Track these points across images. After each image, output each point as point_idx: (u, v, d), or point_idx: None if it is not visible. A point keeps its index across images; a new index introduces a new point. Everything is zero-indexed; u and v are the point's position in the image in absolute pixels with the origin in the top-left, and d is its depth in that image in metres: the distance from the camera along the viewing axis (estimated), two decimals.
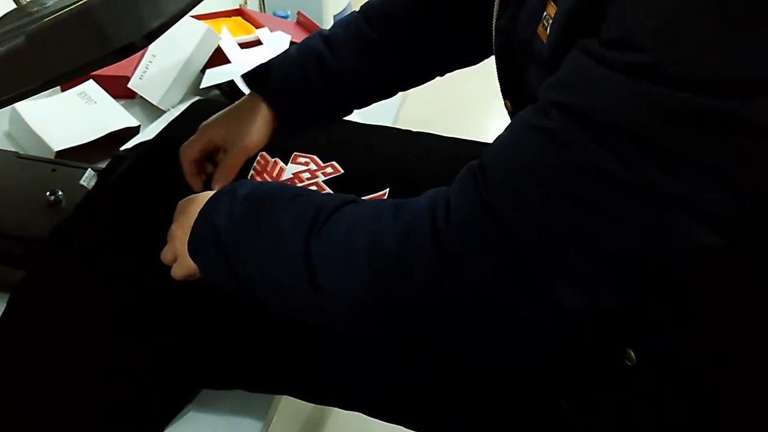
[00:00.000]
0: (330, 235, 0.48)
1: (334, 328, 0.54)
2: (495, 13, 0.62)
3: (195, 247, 0.56)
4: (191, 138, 0.75)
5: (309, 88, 0.74)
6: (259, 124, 0.73)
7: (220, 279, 0.54)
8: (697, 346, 0.47)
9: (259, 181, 0.59)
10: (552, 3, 0.49)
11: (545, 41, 0.50)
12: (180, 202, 0.63)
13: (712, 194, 0.37)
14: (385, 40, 0.75)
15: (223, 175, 0.73)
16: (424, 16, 0.74)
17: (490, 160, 0.45)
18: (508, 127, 0.46)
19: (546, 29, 0.50)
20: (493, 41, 0.63)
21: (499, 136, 0.46)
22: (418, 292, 0.45)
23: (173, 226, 0.61)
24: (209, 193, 0.58)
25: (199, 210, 0.56)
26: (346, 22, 0.77)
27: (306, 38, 0.77)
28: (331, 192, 0.78)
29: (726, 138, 0.35)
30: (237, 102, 0.75)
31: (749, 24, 0.33)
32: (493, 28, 0.63)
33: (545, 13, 0.50)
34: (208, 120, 0.75)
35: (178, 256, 0.59)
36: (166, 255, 0.61)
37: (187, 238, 0.56)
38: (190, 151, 0.74)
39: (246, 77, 0.75)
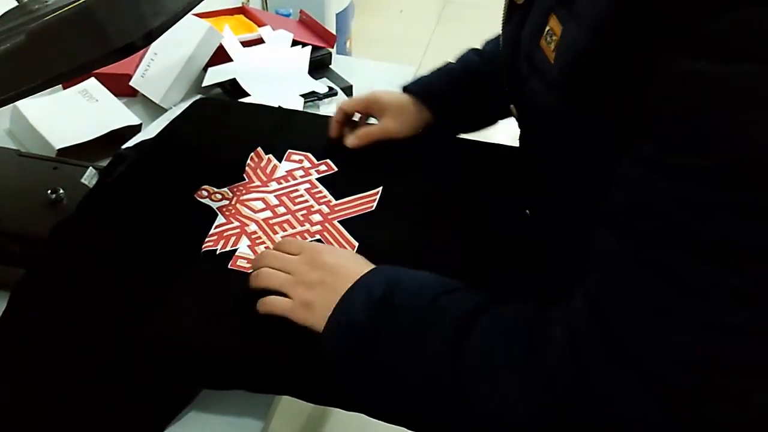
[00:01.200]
0: (473, 358, 0.48)
1: None
2: (502, 18, 0.62)
3: (329, 340, 0.55)
4: (358, 96, 0.87)
5: (463, 91, 0.84)
6: (414, 121, 0.84)
7: (351, 377, 0.54)
8: None
9: (390, 274, 0.58)
10: (555, 18, 0.49)
11: (552, 60, 0.50)
12: (330, 249, 0.64)
13: None
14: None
15: (358, 138, 0.84)
16: None
17: (603, 300, 0.44)
18: (598, 256, 0.45)
19: (549, 44, 0.50)
20: (500, 46, 0.64)
21: (594, 267, 0.45)
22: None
23: (312, 272, 0.60)
24: (354, 258, 0.61)
25: (345, 289, 0.56)
26: (497, 38, 0.83)
27: (462, 53, 0.89)
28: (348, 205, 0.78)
29: None
30: (407, 92, 0.86)
31: None
32: (501, 32, 0.63)
33: (548, 27, 0.50)
34: (382, 92, 0.86)
35: (307, 307, 0.58)
36: (283, 282, 0.60)
37: (324, 298, 0.57)
38: (349, 103, 0.86)
39: (409, 86, 0.87)
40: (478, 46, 0.89)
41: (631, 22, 0.41)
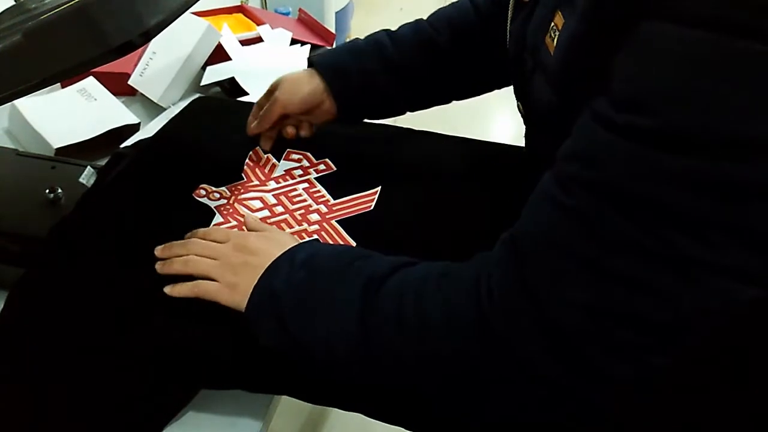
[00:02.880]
0: (382, 311, 0.50)
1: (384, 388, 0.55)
2: (509, 15, 0.62)
3: (255, 309, 0.57)
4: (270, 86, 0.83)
5: (365, 72, 0.80)
6: (305, 88, 0.80)
7: (275, 339, 0.55)
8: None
9: (316, 245, 0.61)
10: (560, 14, 0.49)
11: (552, 53, 0.50)
12: (239, 235, 0.65)
13: (741, 254, 0.36)
14: (446, 45, 0.80)
15: (259, 123, 0.82)
16: (486, 28, 0.78)
17: (521, 238, 0.45)
18: (533, 199, 0.46)
19: (553, 40, 0.50)
20: (507, 44, 0.64)
21: (527, 208, 0.46)
22: (465, 371, 0.46)
23: (236, 255, 0.61)
24: (283, 240, 0.62)
25: (267, 263, 0.58)
26: (412, 24, 0.83)
27: (374, 32, 0.84)
28: (335, 203, 0.78)
29: (747, 202, 0.35)
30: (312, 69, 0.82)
31: (759, 85, 0.33)
32: (507, 30, 0.63)
33: (552, 23, 0.50)
34: (287, 74, 0.83)
35: (232, 288, 0.59)
36: (210, 268, 0.61)
37: (248, 278, 0.58)
38: (262, 96, 0.84)
39: (311, 56, 0.84)
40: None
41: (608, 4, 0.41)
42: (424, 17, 0.85)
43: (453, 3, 0.84)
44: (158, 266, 0.64)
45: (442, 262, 0.52)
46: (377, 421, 0.61)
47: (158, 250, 0.65)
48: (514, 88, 0.66)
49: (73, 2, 0.40)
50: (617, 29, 0.39)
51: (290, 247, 0.59)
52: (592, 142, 0.41)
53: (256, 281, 0.57)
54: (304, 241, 0.61)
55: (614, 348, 0.41)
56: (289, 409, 1.30)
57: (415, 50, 0.80)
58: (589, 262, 0.40)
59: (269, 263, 0.58)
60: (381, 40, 0.82)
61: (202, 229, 0.67)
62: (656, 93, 0.36)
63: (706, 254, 0.37)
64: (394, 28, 0.84)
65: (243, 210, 0.75)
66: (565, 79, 0.46)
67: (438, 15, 0.84)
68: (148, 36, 0.43)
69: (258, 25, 1.26)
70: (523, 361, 0.43)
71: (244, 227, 0.71)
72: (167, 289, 0.61)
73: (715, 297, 0.38)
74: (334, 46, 1.24)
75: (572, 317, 0.41)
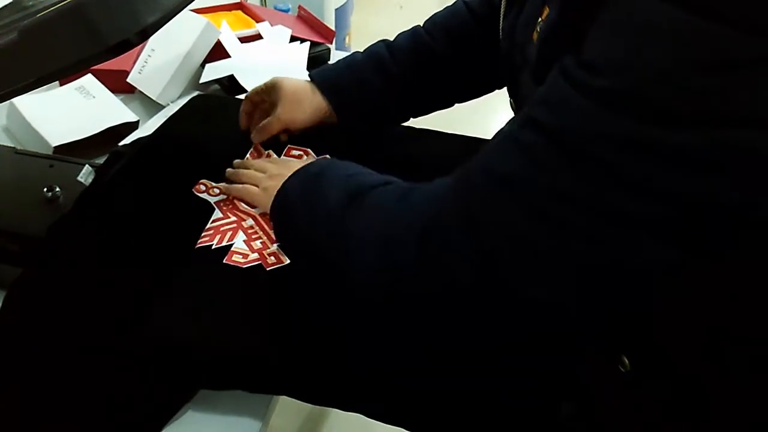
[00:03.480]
0: (360, 218, 0.56)
1: (352, 296, 0.60)
2: (501, 14, 0.62)
3: (274, 205, 0.67)
4: (263, 83, 0.84)
5: (365, 87, 0.82)
6: (308, 108, 0.82)
7: (284, 231, 0.67)
8: (688, 353, 0.48)
9: (332, 161, 0.72)
10: (547, 8, 0.49)
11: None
12: (282, 159, 0.80)
13: (669, 215, 0.39)
14: (443, 51, 0.81)
15: (258, 133, 0.83)
16: (481, 29, 0.79)
17: (475, 167, 0.48)
18: (495, 135, 0.49)
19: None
20: (500, 41, 0.63)
21: (487, 143, 0.49)
22: (406, 279, 0.50)
23: (275, 169, 0.73)
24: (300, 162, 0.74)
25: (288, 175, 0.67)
26: (409, 33, 0.85)
27: (372, 44, 0.86)
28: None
29: (674, 166, 0.37)
30: (308, 81, 0.84)
31: (702, 63, 0.34)
32: (500, 28, 0.63)
33: (539, 19, 0.50)
34: (283, 78, 0.83)
35: (265, 190, 0.71)
36: (256, 179, 0.73)
37: (277, 188, 0.67)
38: (254, 90, 0.85)
39: (311, 73, 0.85)
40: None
41: None
42: (424, 14, 0.85)
43: (447, 7, 0.84)
44: (223, 187, 0.76)
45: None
46: (377, 422, 0.61)
47: (229, 172, 0.77)
48: (507, 86, 0.66)
49: (69, 0, 0.40)
50: (590, 10, 0.40)
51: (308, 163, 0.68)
52: (555, 92, 0.42)
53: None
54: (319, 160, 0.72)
55: (538, 280, 0.44)
56: (288, 408, 1.30)
57: (413, 59, 0.81)
58: (529, 198, 0.42)
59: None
60: (379, 52, 0.82)
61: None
62: (610, 56, 0.38)
63: (635, 208, 0.39)
64: (393, 25, 0.84)
65: (242, 206, 0.74)
66: (544, 71, 0.46)
67: (434, 20, 0.84)
68: (145, 34, 0.43)
69: (257, 22, 1.25)
70: (451, 279, 0.47)
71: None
72: (222, 186, 0.76)
73: (636, 253, 0.41)
74: (333, 43, 1.23)
75: (503, 245, 0.44)
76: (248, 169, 0.76)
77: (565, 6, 0.45)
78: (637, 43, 0.36)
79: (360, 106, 0.82)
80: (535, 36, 0.52)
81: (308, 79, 0.84)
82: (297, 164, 0.70)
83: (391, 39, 0.85)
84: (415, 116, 0.87)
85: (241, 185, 0.74)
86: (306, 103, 0.81)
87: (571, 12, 0.43)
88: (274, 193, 0.67)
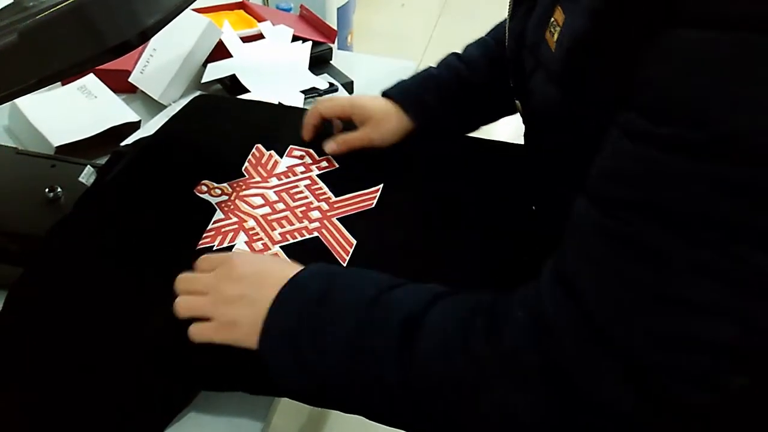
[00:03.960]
0: (424, 353, 0.46)
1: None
2: (508, 13, 0.62)
3: (267, 353, 0.52)
4: (337, 98, 0.83)
5: (449, 101, 0.82)
6: (394, 128, 0.82)
7: (296, 382, 0.52)
8: None
9: (326, 272, 0.55)
10: (560, 9, 0.48)
11: (553, 50, 0.49)
12: (242, 257, 0.60)
13: None
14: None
15: (337, 145, 0.81)
16: None
17: (572, 273, 0.43)
18: (574, 230, 0.44)
19: (552, 35, 0.50)
20: (506, 42, 0.63)
21: (569, 240, 0.44)
22: (528, 420, 0.43)
23: (226, 286, 0.56)
24: (280, 272, 0.55)
25: (268, 298, 0.53)
26: (478, 42, 0.86)
27: (445, 57, 0.87)
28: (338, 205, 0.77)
29: None
30: (388, 98, 0.83)
31: None
32: (506, 28, 0.62)
33: (552, 19, 0.50)
34: (364, 98, 0.83)
35: (226, 323, 0.55)
36: (191, 305, 0.57)
37: (248, 322, 0.53)
38: (328, 104, 0.82)
39: (391, 93, 0.84)
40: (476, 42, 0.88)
41: (623, 2, 0.40)
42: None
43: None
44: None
45: (479, 295, 0.49)
46: (377, 424, 0.60)
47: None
48: (513, 87, 0.65)
49: (69, 1, 0.40)
50: (633, 33, 0.38)
51: (295, 274, 0.54)
52: (631, 160, 0.39)
53: (258, 317, 0.52)
54: (304, 268, 0.56)
55: (693, 375, 0.39)
56: (289, 409, 1.30)
57: (487, 67, 0.82)
58: (652, 289, 0.38)
59: (268, 292, 0.53)
60: (454, 64, 0.84)
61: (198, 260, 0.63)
62: (700, 101, 0.35)
63: None
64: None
65: (244, 207, 0.74)
66: (568, 76, 0.45)
67: (497, 29, 0.85)
68: (145, 35, 0.43)
69: (259, 21, 1.25)
70: (599, 402, 0.41)
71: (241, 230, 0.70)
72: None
73: None
74: (335, 42, 1.23)
75: (648, 349, 0.39)
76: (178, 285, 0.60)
77: (595, 19, 0.42)
78: (723, 80, 0.34)
79: (443, 122, 0.83)
80: (547, 35, 0.51)
81: (384, 95, 0.84)
82: (259, 269, 0.57)
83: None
84: (485, 124, 0.88)
85: (192, 327, 0.56)
86: (393, 122, 0.82)
87: (606, 29, 0.41)
88: (251, 329, 0.52)
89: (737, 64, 0.33)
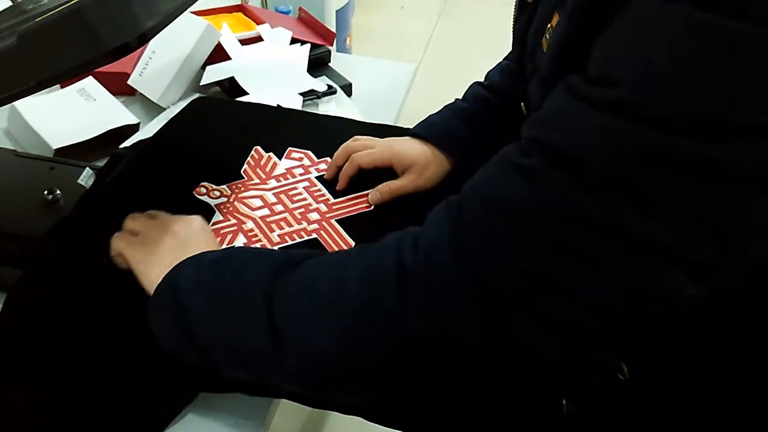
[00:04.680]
0: (293, 286, 0.49)
1: (299, 390, 0.54)
2: (513, 17, 0.62)
3: (155, 309, 0.57)
4: (374, 150, 0.79)
5: (481, 131, 0.81)
6: (436, 171, 0.80)
7: (176, 346, 0.55)
8: (685, 363, 0.47)
9: (227, 247, 0.64)
10: (557, 15, 0.49)
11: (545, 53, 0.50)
12: (164, 219, 0.65)
13: (692, 240, 0.36)
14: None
15: (382, 193, 0.78)
16: None
17: (466, 195, 0.44)
18: (489, 162, 0.46)
19: (548, 41, 0.50)
20: (512, 45, 0.63)
21: (479, 171, 0.46)
22: (380, 333, 0.44)
23: (143, 237, 0.63)
24: (194, 225, 0.63)
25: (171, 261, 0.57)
26: (499, 67, 0.86)
27: (469, 88, 0.86)
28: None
29: (706, 184, 0.35)
30: (422, 140, 0.81)
31: (736, 70, 0.32)
32: (512, 33, 0.63)
33: (549, 25, 0.50)
34: (399, 145, 0.80)
35: (137, 271, 0.61)
36: (122, 248, 0.63)
37: (150, 273, 0.59)
38: (366, 158, 0.79)
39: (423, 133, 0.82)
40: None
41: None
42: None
43: None
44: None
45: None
46: (377, 425, 0.61)
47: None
48: (519, 91, 0.65)
49: (69, 4, 0.40)
50: (599, 20, 0.39)
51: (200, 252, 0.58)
52: (558, 108, 0.40)
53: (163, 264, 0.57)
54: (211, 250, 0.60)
55: (542, 318, 0.40)
56: (289, 410, 1.30)
57: (513, 90, 0.80)
58: (532, 225, 0.39)
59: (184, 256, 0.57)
60: (481, 94, 0.84)
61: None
62: (629, 67, 0.36)
63: (656, 234, 0.36)
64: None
65: (243, 208, 0.75)
66: (555, 80, 0.46)
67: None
68: (144, 38, 0.43)
69: (258, 24, 1.25)
70: (440, 320, 0.42)
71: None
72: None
73: (656, 284, 0.37)
74: (334, 44, 1.23)
75: (504, 281, 0.40)
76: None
77: (572, 16, 0.43)
78: (657, 50, 0.34)
79: (478, 152, 0.80)
80: (543, 41, 0.52)
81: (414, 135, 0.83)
82: (189, 232, 0.62)
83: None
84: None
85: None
86: (434, 166, 0.80)
87: (578, 23, 0.42)
88: (153, 272, 0.58)
89: (675, 36, 0.34)
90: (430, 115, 0.85)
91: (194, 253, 0.58)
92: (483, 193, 0.44)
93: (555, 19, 0.49)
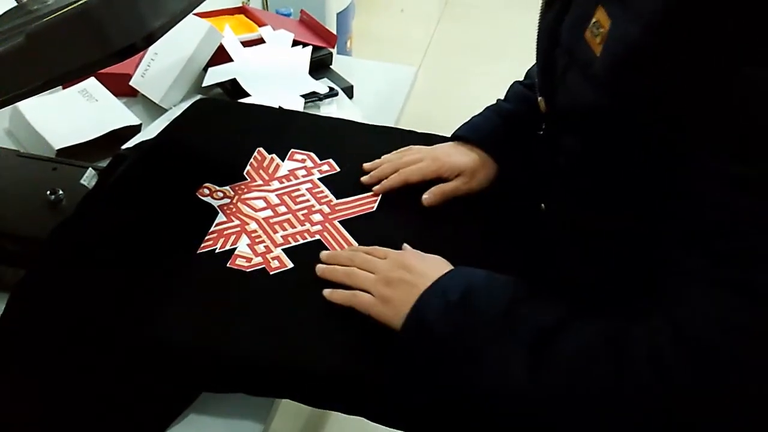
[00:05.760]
0: (553, 375, 0.50)
1: None
2: (540, 10, 0.61)
3: (407, 333, 0.57)
4: (421, 164, 0.80)
5: (524, 131, 0.78)
6: (485, 176, 0.80)
7: (420, 380, 0.57)
8: None
9: (466, 274, 0.60)
10: (602, 10, 0.48)
11: (597, 53, 0.49)
12: (415, 253, 0.67)
13: None
14: None
15: (434, 195, 0.78)
16: None
17: (686, 323, 0.45)
18: (680, 278, 0.46)
19: (596, 37, 0.49)
20: (537, 38, 0.63)
21: (676, 288, 0.47)
22: None
23: (392, 270, 0.63)
24: (439, 266, 0.62)
25: (423, 281, 0.59)
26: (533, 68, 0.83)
27: (510, 87, 0.86)
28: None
29: None
30: (469, 144, 0.81)
31: None
32: (537, 25, 0.62)
33: (594, 19, 0.49)
34: (441, 150, 0.81)
35: (386, 302, 0.60)
36: (369, 283, 0.63)
37: (402, 294, 0.60)
38: (416, 174, 0.79)
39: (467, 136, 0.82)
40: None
41: (692, 24, 0.40)
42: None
43: None
44: (319, 270, 0.66)
45: (605, 322, 0.52)
46: (377, 424, 0.61)
47: (324, 255, 0.68)
48: (540, 85, 0.64)
49: (76, 4, 0.40)
50: (698, 63, 0.39)
51: (441, 276, 0.59)
52: (736, 213, 0.41)
53: (411, 299, 0.58)
54: (454, 269, 0.62)
55: None
56: (289, 410, 1.30)
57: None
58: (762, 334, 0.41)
59: (425, 283, 0.59)
60: (522, 93, 0.83)
61: (365, 247, 0.69)
62: None
63: None
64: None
65: (246, 209, 0.75)
66: (613, 83, 0.45)
67: None
68: (151, 39, 0.43)
69: (259, 26, 1.25)
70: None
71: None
72: (326, 292, 0.64)
73: None
74: (335, 47, 1.23)
75: (758, 395, 0.42)
76: (354, 259, 0.66)
77: (657, 32, 0.42)
78: None
79: (521, 152, 0.81)
80: (588, 36, 0.50)
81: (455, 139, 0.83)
82: (419, 265, 0.63)
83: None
84: None
85: (350, 292, 0.63)
86: (483, 171, 0.80)
87: (661, 38, 0.41)
88: (401, 306, 0.59)
89: None
90: (473, 117, 0.84)
91: None
92: (705, 322, 0.44)
93: (601, 14, 0.48)
